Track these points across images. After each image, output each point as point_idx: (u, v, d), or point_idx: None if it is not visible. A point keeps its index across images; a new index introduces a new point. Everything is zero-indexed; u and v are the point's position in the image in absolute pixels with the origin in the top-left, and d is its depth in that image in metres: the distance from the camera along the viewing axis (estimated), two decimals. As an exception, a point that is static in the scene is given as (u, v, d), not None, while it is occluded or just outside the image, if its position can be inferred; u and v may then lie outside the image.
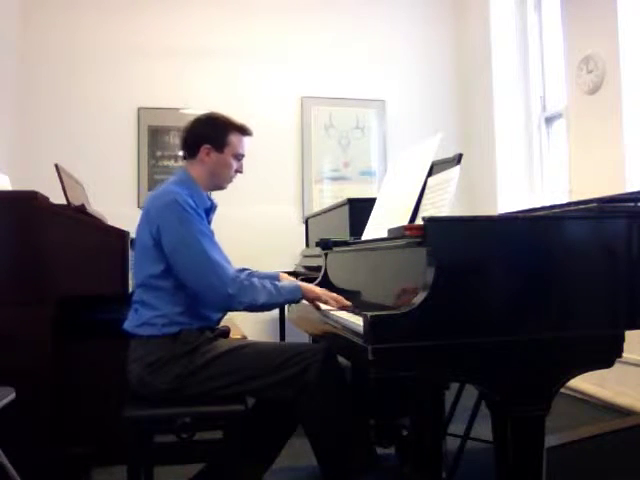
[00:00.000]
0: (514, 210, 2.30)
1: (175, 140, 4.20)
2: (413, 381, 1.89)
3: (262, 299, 1.66)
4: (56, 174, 2.26)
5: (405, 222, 1.65)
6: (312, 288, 1.77)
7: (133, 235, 2.30)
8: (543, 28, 4.20)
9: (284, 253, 4.12)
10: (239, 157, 1.87)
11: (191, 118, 1.89)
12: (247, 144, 1.89)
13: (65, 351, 2.18)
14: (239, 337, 2.40)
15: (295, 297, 1.74)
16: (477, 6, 4.52)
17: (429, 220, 1.27)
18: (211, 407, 1.66)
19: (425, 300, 1.22)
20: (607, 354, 1.32)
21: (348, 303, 1.72)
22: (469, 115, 4.63)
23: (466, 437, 1.90)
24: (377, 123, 4.55)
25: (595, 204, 1.38)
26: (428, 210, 1.59)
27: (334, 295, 1.74)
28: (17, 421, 1.93)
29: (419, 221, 1.55)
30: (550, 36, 4.10)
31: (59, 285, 2.08)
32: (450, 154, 1.66)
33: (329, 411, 1.64)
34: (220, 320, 1.86)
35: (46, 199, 2.13)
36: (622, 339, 1.32)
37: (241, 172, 1.91)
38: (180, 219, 1.67)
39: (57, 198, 2.21)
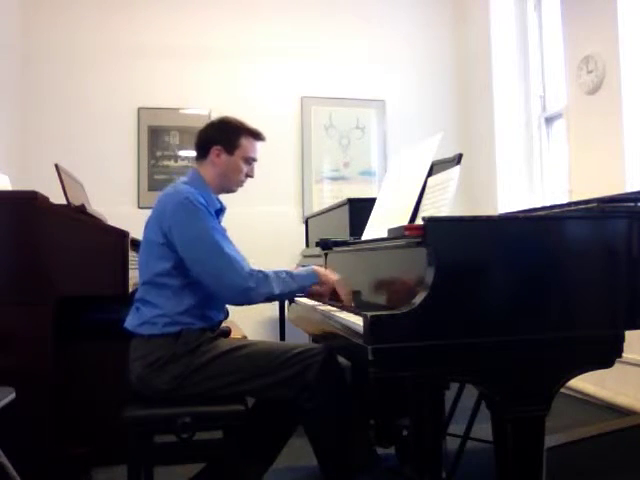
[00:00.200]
0: (514, 210, 2.30)
1: (175, 140, 4.21)
2: (413, 381, 1.89)
3: (278, 289, 1.67)
4: (56, 174, 2.26)
5: (405, 222, 1.65)
6: (327, 274, 1.77)
7: (133, 235, 2.31)
8: (543, 28, 4.20)
9: (284, 253, 4.12)
10: (249, 160, 1.87)
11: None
12: (259, 149, 1.90)
13: (65, 351, 2.18)
14: (239, 337, 2.41)
15: (310, 281, 1.74)
16: (477, 6, 4.52)
17: (429, 220, 1.27)
18: (211, 407, 1.66)
19: (425, 300, 1.22)
20: (607, 354, 1.32)
21: (351, 304, 1.72)
22: (469, 115, 4.63)
23: (466, 437, 1.90)
24: (377, 123, 4.55)
25: (595, 204, 1.38)
26: (428, 210, 1.59)
27: (347, 290, 1.73)
28: (17, 421, 1.93)
29: (419, 221, 1.55)
30: (550, 36, 4.10)
31: (59, 285, 2.08)
32: (450, 154, 1.66)
33: (329, 411, 1.64)
34: (222, 322, 1.86)
35: (46, 199, 2.13)
36: (622, 339, 1.32)
37: (252, 176, 1.91)
38: (193, 216, 1.68)
39: (57, 198, 2.21)
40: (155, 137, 4.19)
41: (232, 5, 4.34)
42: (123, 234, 2.21)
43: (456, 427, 2.03)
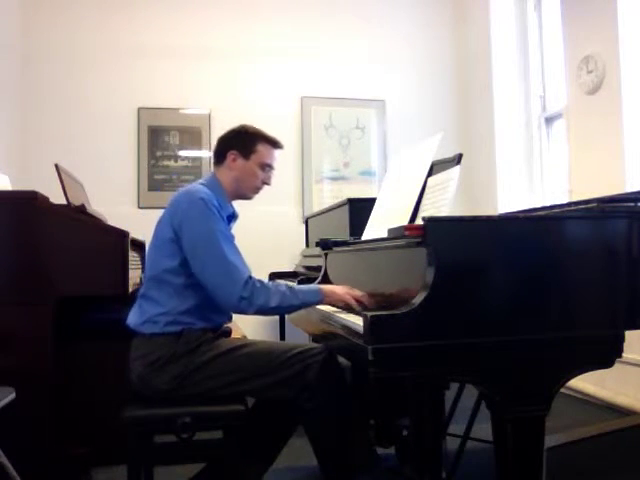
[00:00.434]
0: (514, 210, 2.30)
1: (175, 140, 4.21)
2: (413, 381, 1.89)
3: (274, 302, 1.64)
4: (56, 174, 2.26)
5: (405, 222, 1.65)
6: (333, 290, 1.72)
7: (133, 235, 2.31)
8: (543, 28, 4.20)
9: (284, 253, 4.12)
10: (265, 167, 1.88)
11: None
12: (276, 157, 1.91)
13: (65, 351, 2.18)
14: (239, 337, 2.40)
15: (314, 299, 1.70)
16: (477, 6, 4.52)
17: (429, 220, 1.27)
18: (211, 407, 1.66)
19: (425, 300, 1.22)
20: (607, 354, 1.32)
21: (369, 301, 1.68)
22: (469, 115, 4.63)
23: (466, 437, 1.90)
24: (377, 123, 4.55)
25: (595, 204, 1.38)
26: (428, 210, 1.59)
27: (357, 294, 1.68)
28: (17, 421, 1.93)
29: (419, 221, 1.55)
30: (550, 36, 4.10)
31: (59, 285, 2.08)
32: (450, 154, 1.66)
33: (329, 411, 1.64)
34: (223, 324, 1.85)
35: (46, 199, 2.13)
36: (622, 339, 1.32)
37: (268, 184, 1.92)
38: (204, 217, 1.69)
39: (57, 198, 2.21)
40: (155, 137, 4.19)
41: (232, 5, 4.34)
42: (123, 234, 2.21)
43: (456, 427, 2.03)
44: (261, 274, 3.24)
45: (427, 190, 1.66)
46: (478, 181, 4.40)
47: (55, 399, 2.10)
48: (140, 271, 2.92)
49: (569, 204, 1.56)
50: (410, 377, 1.72)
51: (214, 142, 1.97)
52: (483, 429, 1.65)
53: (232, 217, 1.88)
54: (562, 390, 1.36)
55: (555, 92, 4.05)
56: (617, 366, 1.33)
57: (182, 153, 4.23)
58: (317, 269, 2.62)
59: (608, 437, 2.46)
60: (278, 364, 1.66)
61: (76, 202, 2.30)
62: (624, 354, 1.32)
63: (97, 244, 2.15)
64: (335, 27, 4.49)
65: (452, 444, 1.97)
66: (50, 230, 2.09)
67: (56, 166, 2.28)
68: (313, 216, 3.80)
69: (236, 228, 1.92)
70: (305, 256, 3.70)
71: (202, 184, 1.82)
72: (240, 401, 1.68)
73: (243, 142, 1.86)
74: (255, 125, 1.93)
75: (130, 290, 2.23)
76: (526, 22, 4.30)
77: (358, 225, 2.15)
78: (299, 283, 2.35)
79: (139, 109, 4.16)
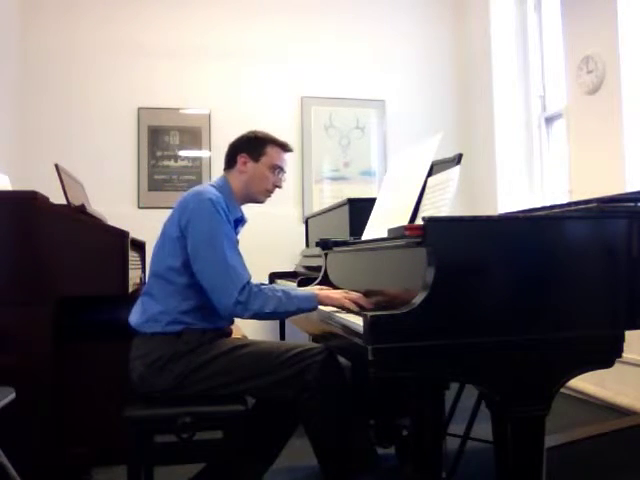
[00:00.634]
0: (514, 210, 2.30)
1: (175, 140, 4.21)
2: (413, 381, 1.89)
3: (270, 307, 1.64)
4: (56, 174, 2.26)
5: (405, 222, 1.65)
6: (328, 295, 1.73)
7: (133, 235, 2.31)
8: (543, 28, 4.20)
9: (284, 253, 4.12)
10: (276, 169, 1.89)
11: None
12: (286, 160, 1.92)
13: (65, 351, 2.18)
14: (239, 337, 2.40)
15: (310, 305, 1.70)
16: (477, 6, 4.52)
17: (429, 220, 1.27)
18: (211, 407, 1.66)
19: (425, 300, 1.22)
20: (607, 354, 1.32)
21: (366, 302, 1.69)
22: (469, 115, 4.63)
23: (466, 437, 1.90)
24: (377, 123, 4.55)
25: (595, 204, 1.38)
26: (428, 210, 1.59)
27: (354, 296, 1.69)
28: (17, 421, 1.93)
29: (419, 221, 1.55)
30: (550, 36, 4.10)
31: (59, 285, 2.08)
32: (450, 154, 1.66)
33: (329, 411, 1.64)
34: (225, 328, 1.85)
35: (46, 199, 2.13)
36: (622, 339, 1.32)
37: (279, 187, 1.93)
38: (210, 218, 1.69)
39: (57, 198, 2.21)
40: (155, 137, 4.19)
41: (232, 5, 4.34)
42: (123, 234, 2.21)
43: (456, 427, 2.03)
44: (261, 274, 3.25)
45: (427, 190, 1.66)
46: (478, 181, 4.40)
47: (55, 399, 2.10)
48: (140, 271, 2.92)
49: (569, 204, 1.56)
50: (410, 377, 1.72)
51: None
52: (483, 429, 1.65)
53: (240, 221, 1.89)
54: (562, 390, 1.36)
55: (555, 92, 4.05)
56: (617, 366, 1.33)
57: (182, 153, 4.23)
58: (317, 269, 2.62)
59: (608, 437, 2.47)
60: (278, 364, 1.66)
61: (76, 202, 2.30)
62: (624, 354, 1.32)
63: (97, 244, 2.15)
64: (335, 27, 4.49)
65: (452, 444, 1.96)
66: (50, 230, 2.09)
67: (56, 166, 2.28)
68: (313, 216, 3.80)
69: (236, 228, 1.92)
70: (305, 256, 3.70)
71: (212, 186, 1.83)
72: (240, 401, 1.68)
73: (253, 145, 1.88)
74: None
75: (130, 290, 2.23)
76: (526, 22, 4.30)
77: (358, 225, 2.15)
78: (299, 283, 2.35)
79: (139, 109, 4.16)
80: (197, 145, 4.23)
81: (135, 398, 1.69)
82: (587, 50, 3.30)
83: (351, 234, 2.48)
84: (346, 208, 2.79)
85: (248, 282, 1.66)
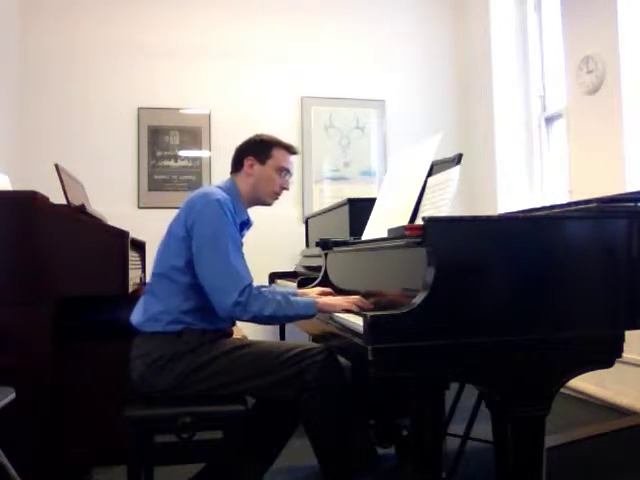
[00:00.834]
0: (514, 210, 2.30)
1: (175, 140, 4.21)
2: (413, 381, 1.89)
3: (269, 310, 1.64)
4: (56, 174, 2.26)
5: (405, 222, 1.65)
6: (327, 301, 1.73)
7: (133, 235, 2.31)
8: (543, 28, 4.20)
9: (284, 253, 4.12)
10: (282, 171, 1.90)
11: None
12: (292, 162, 1.94)
13: (65, 351, 2.18)
14: (239, 337, 2.40)
15: (309, 312, 1.69)
16: (477, 6, 4.52)
17: (429, 220, 1.27)
18: (211, 407, 1.66)
19: (425, 300, 1.22)
20: (607, 354, 1.32)
21: (366, 304, 1.68)
22: (469, 115, 4.63)
23: (466, 437, 1.90)
24: (377, 123, 4.55)
25: (595, 204, 1.38)
26: (428, 210, 1.59)
27: (353, 299, 1.68)
28: (17, 421, 1.93)
29: (419, 221, 1.55)
30: (550, 36, 4.10)
31: (59, 285, 2.08)
32: (450, 154, 1.66)
33: (329, 411, 1.64)
34: (226, 330, 1.85)
35: (46, 199, 2.13)
36: (622, 339, 1.32)
37: (287, 189, 1.94)
38: (216, 218, 1.70)
39: (57, 198, 2.21)
40: (155, 137, 4.19)
41: (232, 5, 4.34)
42: (123, 234, 2.21)
43: (456, 427, 2.03)
44: (261, 274, 3.25)
45: (427, 190, 1.66)
46: (478, 181, 4.40)
47: (55, 399, 2.10)
48: (140, 271, 2.92)
49: (569, 204, 1.56)
50: (410, 377, 1.72)
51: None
52: (483, 429, 1.65)
53: (246, 224, 1.90)
54: (562, 390, 1.36)
55: (555, 92, 4.05)
56: (617, 366, 1.33)
57: (182, 153, 4.23)
58: (317, 269, 2.62)
59: (608, 437, 2.47)
60: (278, 364, 1.66)
61: (76, 202, 2.30)
62: (624, 354, 1.32)
63: (97, 244, 2.15)
64: (335, 27, 4.49)
65: (452, 444, 1.96)
66: (50, 230, 2.09)
67: (56, 166, 2.28)
68: (313, 216, 3.80)
69: (236, 228, 1.92)
70: (305, 256, 3.70)
71: (220, 187, 1.84)
72: (240, 401, 1.68)
73: (259, 148, 1.89)
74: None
75: (130, 290, 2.23)
76: (526, 22, 4.30)
77: (358, 225, 2.15)
78: (299, 283, 2.35)
79: (139, 109, 4.16)
80: (197, 145, 4.23)
81: (135, 398, 1.69)
82: (587, 50, 3.30)
83: (351, 234, 2.48)
84: (346, 208, 2.79)
85: (249, 285, 1.66)
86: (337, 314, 1.64)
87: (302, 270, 3.50)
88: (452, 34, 4.72)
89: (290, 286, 2.52)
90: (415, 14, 4.65)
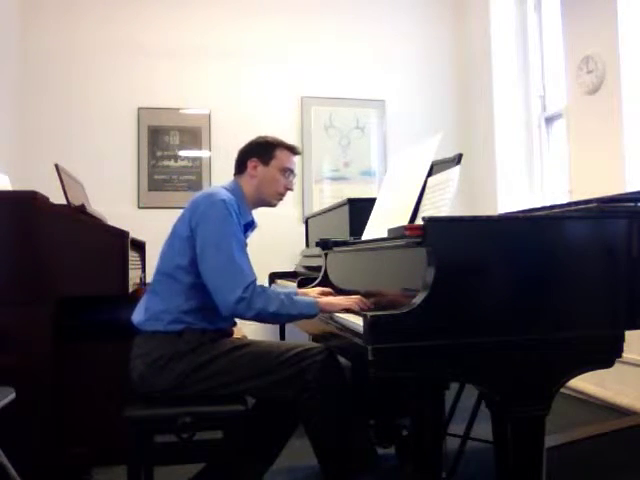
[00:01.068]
0: (514, 210, 2.30)
1: (175, 140, 4.21)
2: (413, 381, 1.89)
3: (273, 307, 1.64)
4: (56, 174, 2.26)
5: (405, 222, 1.65)
6: (329, 301, 1.73)
7: (133, 235, 2.31)
8: (543, 28, 4.20)
9: (284, 253, 4.12)
10: (286, 172, 1.91)
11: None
12: (295, 162, 1.95)
13: (65, 351, 2.18)
14: (239, 337, 2.41)
15: (311, 311, 1.70)
16: (477, 6, 4.52)
17: (429, 220, 1.27)
18: (211, 407, 1.66)
19: (425, 300, 1.22)
20: (607, 354, 1.32)
21: (367, 303, 1.69)
22: (469, 115, 4.63)
23: (466, 437, 1.90)
24: (377, 123, 4.55)
25: (595, 204, 1.38)
26: (428, 210, 1.59)
27: (354, 299, 1.69)
28: (17, 421, 1.93)
29: (419, 221, 1.55)
30: (550, 36, 4.10)
31: (59, 285, 2.08)
32: (450, 154, 1.66)
33: (329, 411, 1.64)
34: (227, 330, 1.85)
35: (46, 199, 2.13)
36: (622, 339, 1.32)
37: (291, 189, 1.95)
38: (221, 217, 1.70)
39: (57, 198, 2.21)
40: (155, 137, 4.19)
41: (232, 5, 4.34)
42: (123, 234, 2.21)
43: (456, 427, 2.03)
44: (261, 274, 3.25)
45: (427, 190, 1.66)
46: (478, 181, 4.40)
47: (55, 399, 2.10)
48: (140, 271, 2.92)
49: (569, 204, 1.56)
50: (410, 377, 1.72)
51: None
52: (483, 429, 1.65)
53: (250, 225, 1.90)
54: (562, 390, 1.36)
55: (555, 92, 4.05)
56: (617, 366, 1.33)
57: (182, 153, 4.23)
58: (317, 269, 2.62)
59: (608, 437, 2.47)
60: (278, 364, 1.66)
61: (76, 202, 2.30)
62: (624, 354, 1.32)
63: (97, 244, 2.15)
64: (335, 27, 4.49)
65: (452, 444, 1.96)
66: (50, 230, 2.09)
67: (56, 166, 2.28)
68: (313, 216, 3.80)
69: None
70: (305, 256, 3.70)
71: (224, 188, 1.84)
72: (240, 401, 1.68)
73: (262, 150, 1.90)
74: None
75: (130, 290, 2.23)
76: (526, 22, 4.30)
77: (358, 225, 2.15)
78: (299, 283, 2.35)
79: (139, 109, 4.16)
80: (197, 145, 4.23)
81: (135, 398, 1.69)
82: (587, 50, 3.30)
83: (351, 234, 2.48)
84: (346, 208, 2.79)
85: (253, 282, 1.66)
86: (337, 314, 1.64)
87: (302, 270, 3.50)
88: (452, 34, 4.72)
89: (290, 286, 2.52)
90: (415, 14, 4.65)
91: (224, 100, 4.26)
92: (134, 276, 2.47)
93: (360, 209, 2.34)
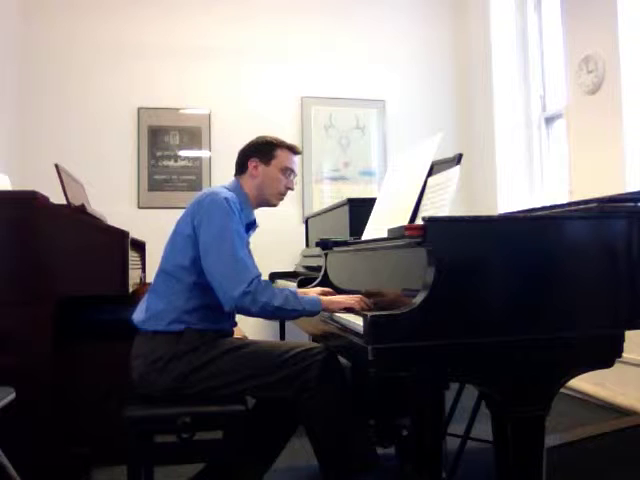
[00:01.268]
0: (514, 210, 2.30)
1: (175, 140, 4.21)
2: (413, 381, 1.89)
3: (278, 302, 1.63)
4: (56, 174, 2.26)
5: (405, 222, 1.65)
6: (332, 300, 1.73)
7: (133, 235, 2.31)
8: (543, 28, 4.20)
9: (284, 253, 4.12)
10: (287, 171, 1.91)
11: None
12: (296, 162, 1.95)
13: (65, 351, 2.18)
14: (239, 336, 2.41)
15: (314, 308, 1.69)
16: (477, 6, 4.52)
17: (429, 220, 1.27)
18: (211, 407, 1.66)
19: (425, 300, 1.22)
20: (607, 354, 1.32)
21: (368, 303, 1.69)
22: (469, 115, 4.63)
23: (466, 437, 1.90)
24: (377, 123, 4.55)
25: (595, 204, 1.38)
26: (428, 210, 1.59)
27: (356, 298, 1.69)
28: (17, 421, 1.93)
29: (419, 221, 1.55)
30: (550, 36, 4.10)
31: (59, 285, 2.09)
32: (450, 154, 1.66)
33: (329, 411, 1.64)
34: (227, 330, 1.85)
35: (46, 199, 2.14)
36: (622, 339, 1.32)
37: (292, 189, 1.96)
38: (224, 215, 1.71)
39: (57, 198, 2.21)
40: (155, 137, 4.19)
41: (232, 5, 4.34)
42: (123, 234, 2.21)
43: (456, 427, 2.03)
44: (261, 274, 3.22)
45: (427, 190, 1.66)
46: (478, 181, 4.40)
47: (55, 399, 2.10)
48: (140, 271, 2.92)
49: (569, 204, 1.56)
50: (410, 377, 1.72)
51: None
52: (483, 429, 1.65)
53: (252, 225, 1.91)
54: (562, 390, 1.36)
55: (555, 92, 4.05)
56: (617, 366, 1.33)
57: (182, 153, 4.23)
58: (317, 269, 2.63)
59: (608, 437, 2.46)
60: (279, 364, 1.66)
61: (76, 202, 2.30)
62: (624, 354, 1.32)
63: (97, 244, 2.15)
64: (335, 27, 4.48)
65: (452, 444, 1.96)
66: (50, 230, 2.09)
67: (56, 166, 2.28)
68: (313, 216, 3.80)
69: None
70: (305, 256, 3.70)
71: (226, 188, 1.85)
72: (240, 401, 1.67)
73: (263, 149, 1.90)
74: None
75: (130, 290, 2.23)
76: (526, 22, 4.29)
77: (358, 225, 2.15)
78: (299, 283, 2.35)
79: (139, 109, 4.16)
80: (197, 145, 4.23)
81: (135, 398, 1.69)
82: (587, 50, 3.30)
83: (351, 234, 2.48)
84: (346, 208, 2.80)
85: (258, 277, 1.66)
86: (337, 314, 1.64)
87: (302, 270, 3.50)
88: (452, 34, 4.72)
89: (290, 286, 2.52)
90: (415, 14, 4.65)
91: (224, 100, 4.26)
92: (134, 276, 2.48)
93: (360, 209, 2.34)
